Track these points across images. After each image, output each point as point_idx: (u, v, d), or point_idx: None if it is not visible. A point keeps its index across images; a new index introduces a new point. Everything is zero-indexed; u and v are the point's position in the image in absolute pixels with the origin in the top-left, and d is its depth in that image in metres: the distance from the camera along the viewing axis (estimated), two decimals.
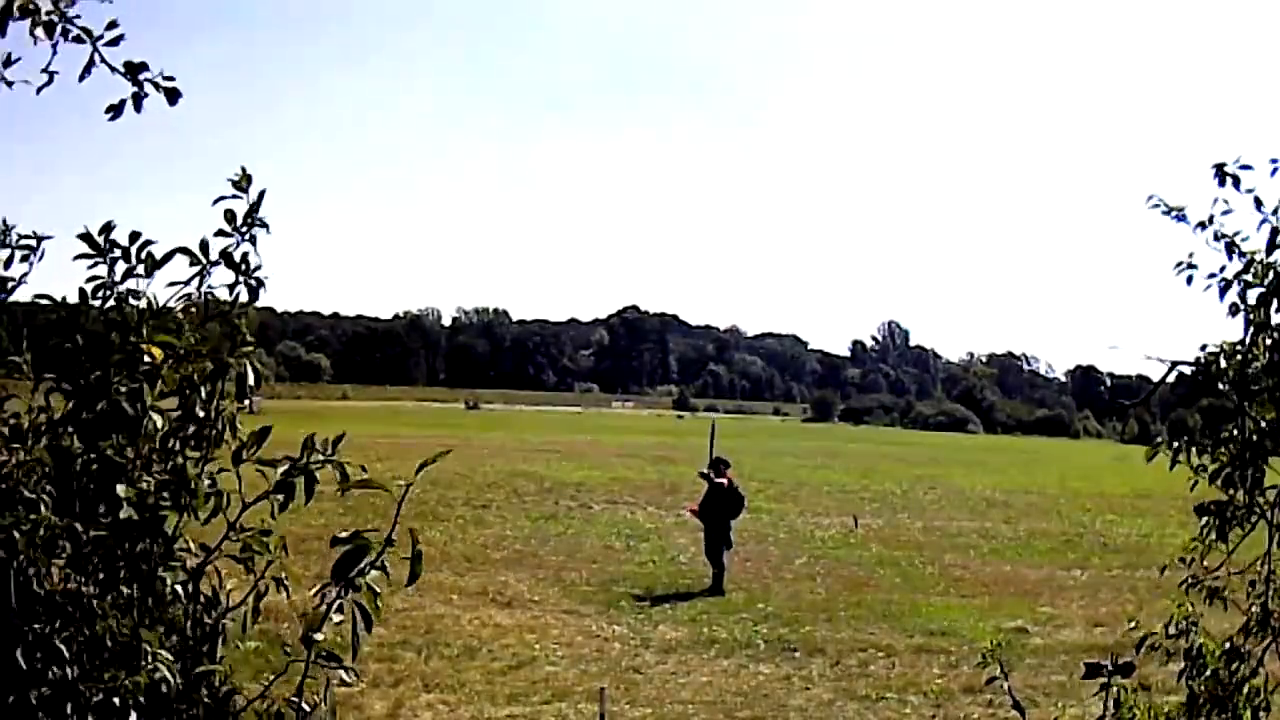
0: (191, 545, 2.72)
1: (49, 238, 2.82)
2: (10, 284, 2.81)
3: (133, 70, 2.69)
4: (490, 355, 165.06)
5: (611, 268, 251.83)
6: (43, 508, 2.52)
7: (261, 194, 2.76)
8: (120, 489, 2.54)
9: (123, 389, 2.63)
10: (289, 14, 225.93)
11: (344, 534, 2.54)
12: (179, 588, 2.63)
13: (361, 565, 2.52)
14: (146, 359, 2.63)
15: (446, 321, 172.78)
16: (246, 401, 2.75)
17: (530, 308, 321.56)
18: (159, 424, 2.63)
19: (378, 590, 2.53)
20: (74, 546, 2.54)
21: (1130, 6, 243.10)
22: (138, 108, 2.71)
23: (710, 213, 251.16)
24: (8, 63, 2.68)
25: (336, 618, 2.53)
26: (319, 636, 2.53)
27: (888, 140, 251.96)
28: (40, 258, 2.82)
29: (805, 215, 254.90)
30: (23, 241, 2.82)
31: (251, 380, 2.71)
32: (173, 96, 2.72)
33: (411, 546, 2.54)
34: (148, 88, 2.72)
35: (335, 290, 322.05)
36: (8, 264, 2.80)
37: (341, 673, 2.61)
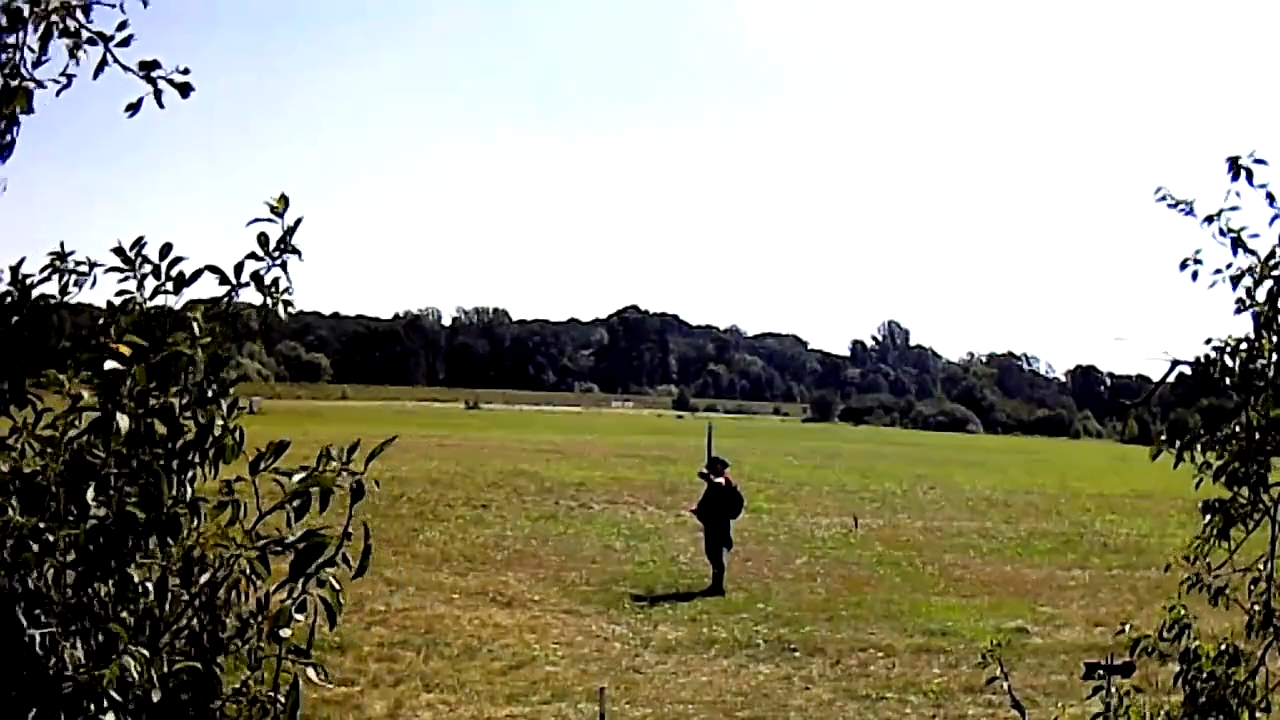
0: (208, 554, 2.73)
1: (100, 265, 2.83)
2: (53, 300, 2.84)
3: (146, 68, 2.74)
4: (490, 355, 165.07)
5: (611, 268, 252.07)
6: (10, 510, 2.53)
7: (297, 223, 2.76)
8: (89, 490, 2.56)
9: (91, 387, 2.65)
10: (288, 11, 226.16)
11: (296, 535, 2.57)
12: (148, 584, 2.64)
13: (319, 561, 2.56)
14: (113, 360, 2.63)
15: (446, 321, 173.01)
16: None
17: (530, 308, 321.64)
18: (124, 425, 2.63)
19: (338, 586, 2.57)
20: (42, 548, 2.54)
21: (1127, 5, 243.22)
22: (159, 103, 2.76)
23: (710, 213, 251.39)
24: (38, 63, 2.75)
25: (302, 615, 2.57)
26: (286, 632, 2.55)
27: (888, 140, 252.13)
28: (94, 285, 2.85)
29: (805, 215, 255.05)
30: (78, 267, 2.84)
31: (199, 375, 2.70)
32: (184, 90, 2.76)
33: (364, 538, 2.60)
34: (161, 84, 2.76)
35: (335, 290, 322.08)
36: (64, 290, 2.83)
37: (331, 671, 2.64)
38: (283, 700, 2.63)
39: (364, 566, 2.59)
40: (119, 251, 2.78)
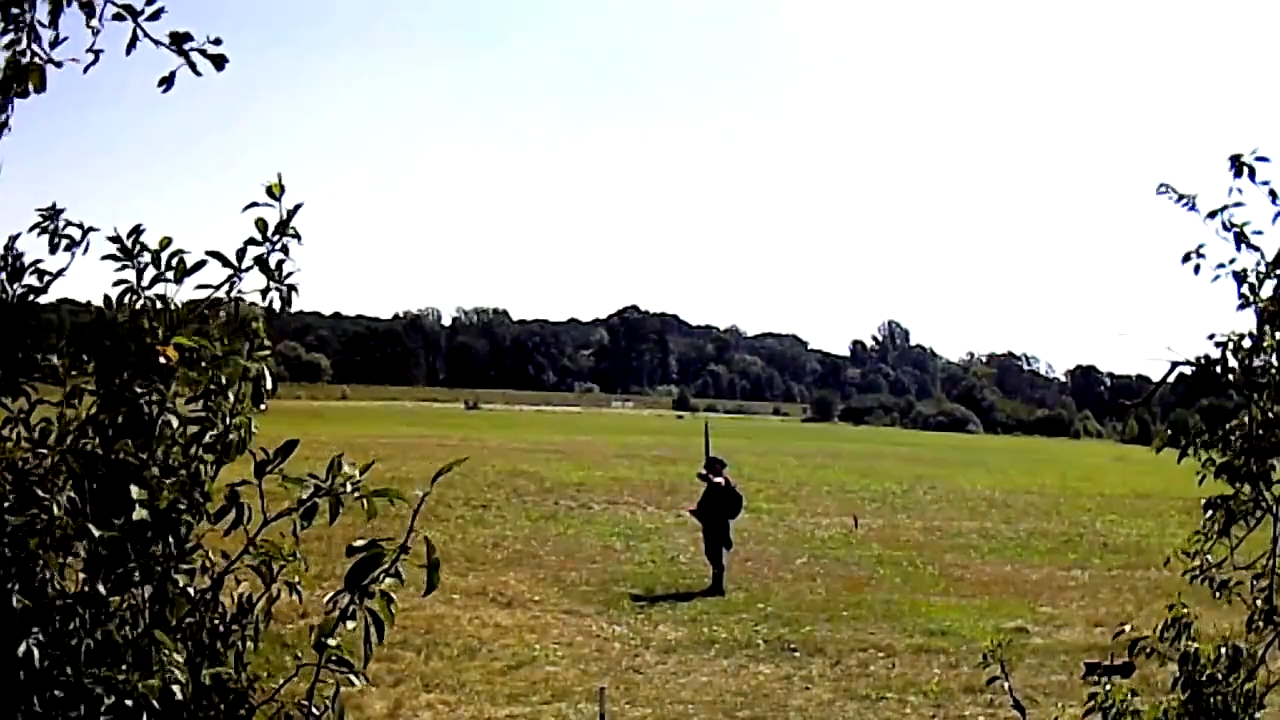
0: (212, 555, 2.71)
1: (95, 229, 2.79)
2: (47, 278, 2.80)
3: (178, 41, 2.66)
4: (490, 355, 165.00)
5: (611, 268, 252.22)
6: (55, 508, 2.51)
7: (297, 207, 2.72)
8: (134, 490, 2.53)
9: (138, 390, 2.62)
10: (286, 8, 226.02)
11: (358, 542, 2.53)
12: (190, 589, 2.62)
13: (375, 573, 2.50)
14: (162, 360, 2.62)
15: (446, 321, 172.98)
16: (264, 404, 2.74)
17: (530, 308, 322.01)
18: (175, 425, 2.61)
19: (393, 598, 2.51)
20: (87, 547, 2.53)
21: (1126, 6, 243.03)
22: (195, 71, 2.68)
23: (710, 213, 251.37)
24: (55, 43, 2.67)
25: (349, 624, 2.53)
26: (331, 642, 2.52)
27: (887, 139, 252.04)
28: (86, 250, 2.79)
29: (805, 215, 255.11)
30: (69, 229, 2.79)
31: (269, 384, 2.70)
32: (219, 63, 2.69)
33: (428, 555, 2.52)
34: (194, 56, 2.68)
35: (335, 290, 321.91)
36: (53, 250, 2.78)
37: (350, 676, 2.60)
38: (315, 710, 2.60)
39: (433, 583, 2.51)
40: (116, 240, 2.74)
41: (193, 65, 2.66)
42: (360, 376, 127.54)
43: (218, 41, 2.68)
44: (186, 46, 2.66)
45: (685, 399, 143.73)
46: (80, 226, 2.80)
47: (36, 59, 2.65)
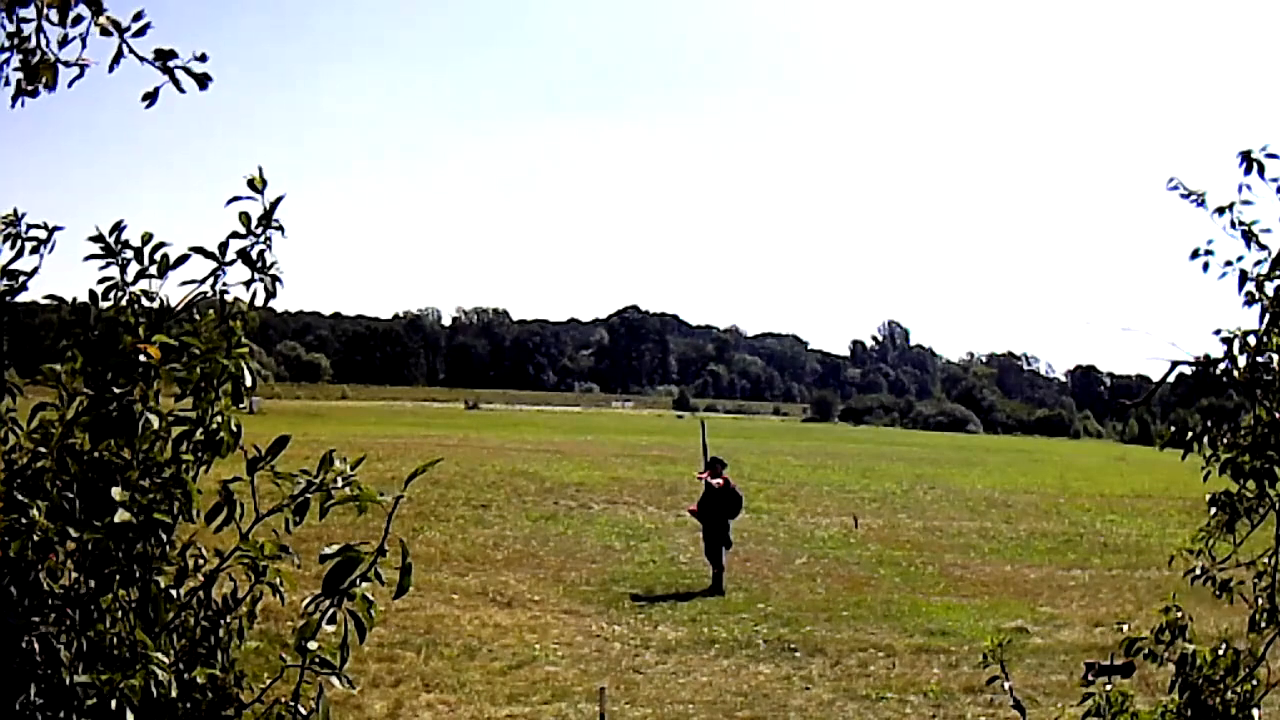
0: (205, 551, 2.71)
1: (60, 229, 2.79)
2: (21, 278, 2.80)
3: (162, 57, 2.65)
4: (490, 355, 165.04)
5: (611, 268, 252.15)
6: (35, 511, 2.50)
7: (279, 199, 2.72)
8: (115, 492, 2.53)
9: (118, 389, 2.61)
10: (285, 8, 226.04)
11: (332, 548, 2.52)
12: (173, 590, 2.61)
13: (352, 577, 2.50)
14: (143, 357, 2.61)
15: (446, 321, 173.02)
16: (245, 403, 2.73)
17: (530, 308, 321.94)
18: (155, 424, 2.60)
19: (371, 600, 2.51)
20: (74, 549, 2.52)
21: (1126, 6, 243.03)
22: (179, 88, 2.66)
23: (710, 213, 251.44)
24: (63, 42, 2.65)
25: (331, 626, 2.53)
26: (312, 645, 2.52)
27: (887, 140, 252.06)
28: (51, 249, 2.79)
29: (805, 215, 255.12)
30: (33, 232, 2.79)
31: (249, 382, 2.69)
32: (203, 82, 2.67)
33: (402, 558, 2.52)
34: (178, 74, 2.67)
35: (335, 290, 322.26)
36: (18, 255, 2.78)
37: (336, 678, 2.60)
38: (303, 710, 2.60)
39: (404, 586, 2.52)
40: (98, 238, 2.74)
41: (177, 83, 2.65)
42: (360, 376, 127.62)
43: (203, 58, 2.66)
44: (171, 64, 2.64)
45: (685, 399, 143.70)
46: (45, 226, 2.79)
47: (48, 57, 2.64)
